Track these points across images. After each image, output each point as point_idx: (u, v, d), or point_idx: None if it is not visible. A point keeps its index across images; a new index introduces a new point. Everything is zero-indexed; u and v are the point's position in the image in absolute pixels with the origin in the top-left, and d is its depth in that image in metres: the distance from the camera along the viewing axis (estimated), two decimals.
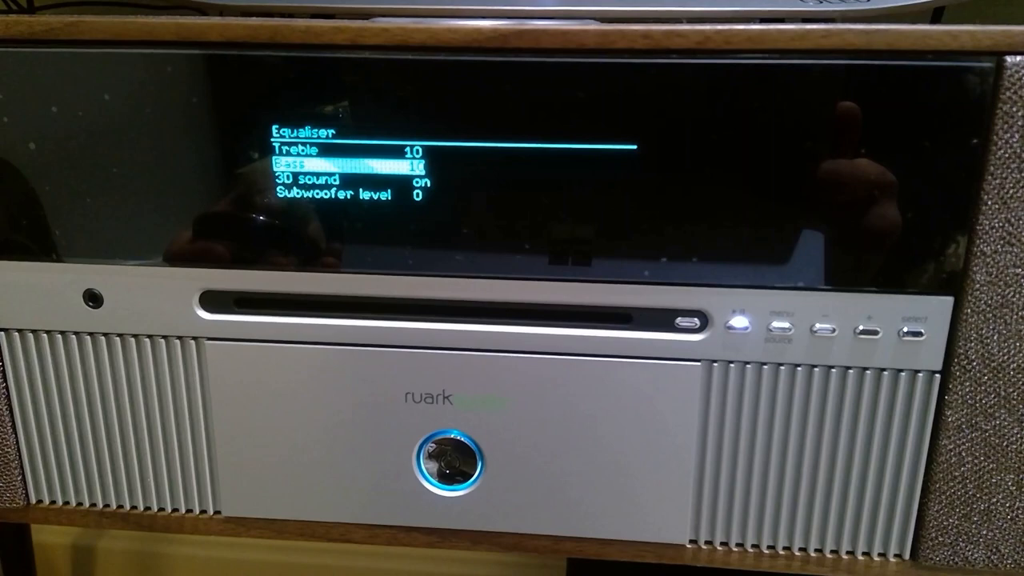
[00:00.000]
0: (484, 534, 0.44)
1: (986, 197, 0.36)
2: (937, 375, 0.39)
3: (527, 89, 0.37)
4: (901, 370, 0.39)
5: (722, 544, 0.43)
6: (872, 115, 0.35)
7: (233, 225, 0.40)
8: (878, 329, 0.38)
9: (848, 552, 0.42)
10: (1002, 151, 0.35)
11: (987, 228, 0.36)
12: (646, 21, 0.37)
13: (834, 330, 0.39)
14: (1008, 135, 0.35)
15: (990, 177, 0.35)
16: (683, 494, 0.42)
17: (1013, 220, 0.36)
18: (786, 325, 0.39)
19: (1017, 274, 0.36)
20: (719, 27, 0.35)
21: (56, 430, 0.44)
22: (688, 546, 0.43)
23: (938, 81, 0.35)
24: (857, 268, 0.38)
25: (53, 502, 0.46)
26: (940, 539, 0.41)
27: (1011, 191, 0.35)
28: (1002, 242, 0.36)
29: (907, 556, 0.42)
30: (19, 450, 0.45)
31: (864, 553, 0.42)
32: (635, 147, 0.37)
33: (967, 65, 0.34)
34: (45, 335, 0.43)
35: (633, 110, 0.36)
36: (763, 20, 0.37)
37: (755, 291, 0.39)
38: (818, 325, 0.39)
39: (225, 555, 0.92)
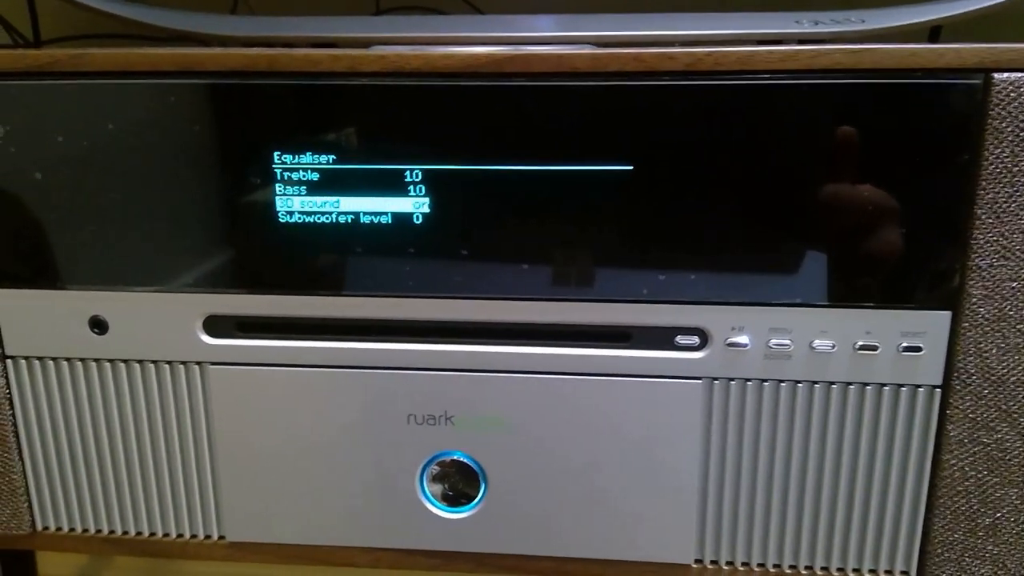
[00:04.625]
0: (487, 556, 0.44)
1: (979, 212, 0.36)
2: (937, 390, 0.39)
3: (524, 112, 0.37)
4: (901, 385, 0.39)
5: (727, 564, 0.43)
6: (865, 133, 0.36)
7: (236, 250, 0.40)
8: (877, 344, 0.38)
9: (854, 570, 0.42)
10: (993, 166, 0.35)
11: (982, 242, 0.36)
12: (642, 45, 0.37)
13: (833, 346, 0.39)
14: (999, 150, 0.35)
15: (983, 192, 0.36)
16: (687, 513, 0.42)
17: (1007, 234, 0.36)
18: (785, 341, 0.39)
19: (1013, 287, 0.37)
20: (709, 49, 0.36)
21: (62, 457, 0.44)
22: (694, 566, 0.43)
23: (928, 98, 0.35)
24: (855, 284, 0.38)
25: (59, 529, 0.46)
26: (946, 555, 0.41)
27: (1004, 205, 0.36)
28: (997, 256, 0.36)
29: (913, 572, 0.42)
30: (26, 477, 0.45)
31: (870, 570, 0.42)
32: (631, 168, 0.37)
33: (956, 82, 0.35)
34: (52, 362, 0.43)
35: (627, 132, 0.37)
36: (759, 42, 0.38)
37: (754, 308, 0.39)
38: (817, 341, 0.39)
39: None
